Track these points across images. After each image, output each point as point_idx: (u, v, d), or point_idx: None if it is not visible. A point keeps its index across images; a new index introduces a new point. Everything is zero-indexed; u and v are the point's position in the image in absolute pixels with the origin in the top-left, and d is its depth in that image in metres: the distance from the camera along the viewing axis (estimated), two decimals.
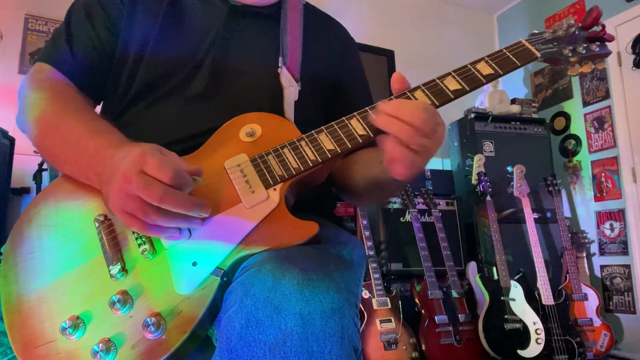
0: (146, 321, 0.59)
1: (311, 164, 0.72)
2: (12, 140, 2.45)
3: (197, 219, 0.64)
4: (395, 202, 3.06)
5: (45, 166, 2.53)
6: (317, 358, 0.53)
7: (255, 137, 0.76)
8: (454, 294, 2.80)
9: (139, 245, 0.66)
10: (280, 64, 0.90)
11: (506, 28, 4.64)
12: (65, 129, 0.74)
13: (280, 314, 0.54)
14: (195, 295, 0.62)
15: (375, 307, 2.55)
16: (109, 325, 0.61)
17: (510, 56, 0.76)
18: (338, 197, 1.00)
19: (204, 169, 0.68)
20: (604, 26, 0.81)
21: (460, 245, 3.18)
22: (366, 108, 0.74)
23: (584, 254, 3.41)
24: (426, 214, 3.08)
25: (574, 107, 3.85)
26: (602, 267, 3.53)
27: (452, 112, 3.70)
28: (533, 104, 3.91)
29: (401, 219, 3.07)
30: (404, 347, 2.50)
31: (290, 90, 0.90)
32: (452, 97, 0.72)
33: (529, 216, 3.08)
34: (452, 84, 0.73)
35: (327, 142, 0.72)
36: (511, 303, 2.81)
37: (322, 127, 0.74)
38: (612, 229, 3.50)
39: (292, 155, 0.72)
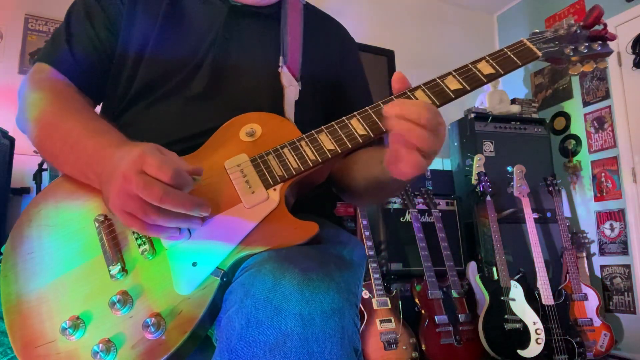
0: (146, 321, 0.59)
1: (311, 164, 0.71)
2: (12, 140, 2.45)
3: (197, 219, 0.64)
4: (395, 202, 3.06)
5: (45, 166, 2.53)
6: (317, 358, 0.53)
7: (255, 137, 0.76)
8: (454, 294, 2.80)
9: (139, 245, 0.66)
10: (281, 64, 0.90)
11: (506, 28, 4.64)
12: (65, 128, 0.74)
13: (280, 314, 0.54)
14: (195, 295, 0.62)
15: (375, 307, 2.55)
16: (109, 325, 0.61)
17: (512, 55, 0.75)
18: (338, 197, 1.00)
19: (204, 169, 0.68)
20: (605, 25, 0.80)
21: (460, 245, 3.18)
22: (366, 108, 0.74)
23: (584, 254, 3.40)
24: (426, 214, 3.07)
25: (574, 107, 3.85)
26: (602, 267, 3.52)
27: (452, 112, 3.70)
28: (533, 104, 3.91)
29: (401, 219, 3.07)
30: (404, 347, 2.50)
31: (291, 89, 0.90)
32: (453, 96, 0.72)
33: (529, 216, 3.08)
34: (452, 84, 0.73)
35: (327, 142, 0.72)
36: (511, 303, 2.81)
37: (322, 127, 0.74)
38: (612, 229, 3.50)
39: (292, 155, 0.72)
